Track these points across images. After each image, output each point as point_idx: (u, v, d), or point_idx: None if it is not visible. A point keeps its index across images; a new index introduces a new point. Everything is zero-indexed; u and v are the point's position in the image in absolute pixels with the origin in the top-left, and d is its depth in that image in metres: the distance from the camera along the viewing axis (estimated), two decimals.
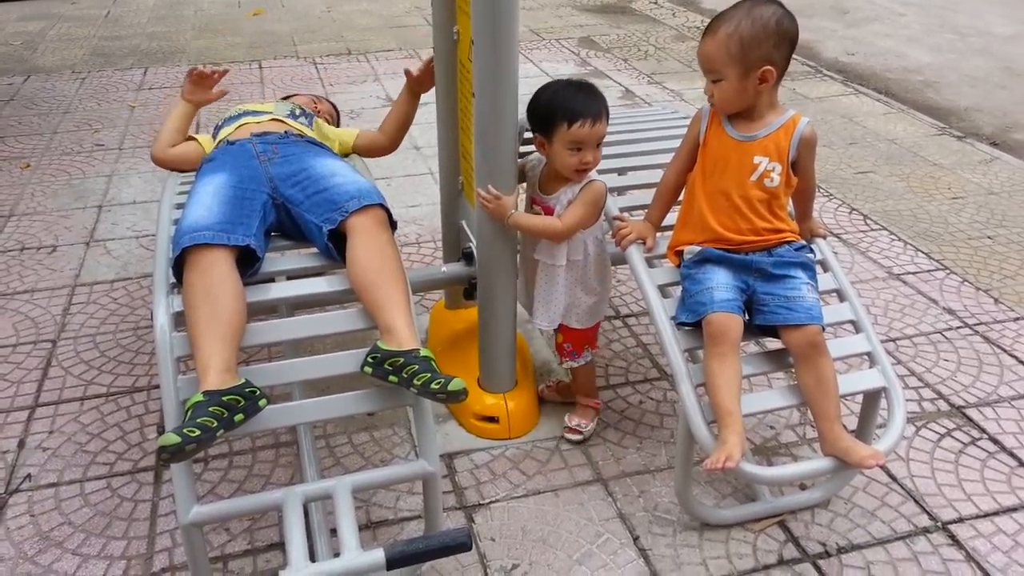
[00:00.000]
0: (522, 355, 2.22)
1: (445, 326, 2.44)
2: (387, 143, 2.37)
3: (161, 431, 2.09)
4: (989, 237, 3.10)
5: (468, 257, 2.15)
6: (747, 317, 1.77)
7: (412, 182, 3.53)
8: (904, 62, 5.36)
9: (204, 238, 1.67)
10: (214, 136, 2.17)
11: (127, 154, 3.84)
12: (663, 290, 1.88)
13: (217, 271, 1.65)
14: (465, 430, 2.13)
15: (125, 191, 3.47)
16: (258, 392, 1.54)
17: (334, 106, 2.57)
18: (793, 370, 1.77)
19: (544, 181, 1.96)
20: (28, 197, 3.41)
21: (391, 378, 1.57)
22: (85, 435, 2.11)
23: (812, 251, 1.88)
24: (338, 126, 2.50)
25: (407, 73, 2.29)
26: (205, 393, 1.48)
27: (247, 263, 1.76)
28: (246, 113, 2.18)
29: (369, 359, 1.61)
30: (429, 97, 2.27)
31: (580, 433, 2.08)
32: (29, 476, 1.97)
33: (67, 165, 3.72)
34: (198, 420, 1.42)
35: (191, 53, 5.42)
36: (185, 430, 1.39)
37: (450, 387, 1.50)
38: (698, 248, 1.81)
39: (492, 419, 2.09)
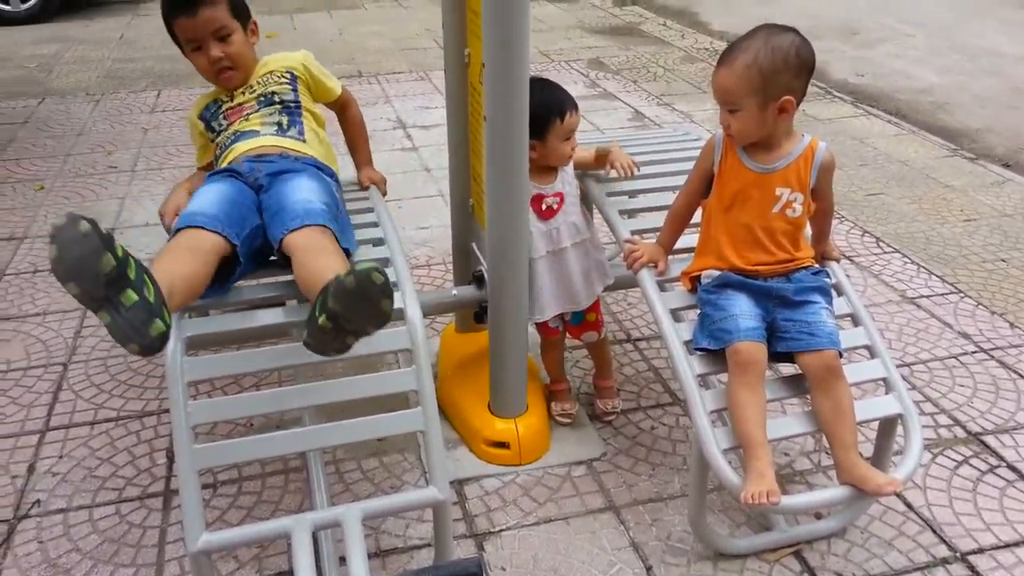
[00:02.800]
0: (533, 379, 2.20)
1: (456, 350, 2.43)
2: (337, 112, 2.35)
3: (171, 457, 2.08)
4: (1003, 260, 3.07)
5: (479, 280, 2.14)
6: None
7: (422, 204, 3.54)
8: (914, 83, 5.36)
9: (198, 221, 1.68)
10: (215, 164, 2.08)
11: (140, 176, 3.86)
12: (675, 314, 1.86)
13: (204, 244, 1.65)
14: (475, 456, 2.11)
15: (138, 213, 3.48)
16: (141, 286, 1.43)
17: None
18: (808, 396, 1.75)
19: (538, 179, 1.99)
20: (42, 219, 3.43)
21: (321, 321, 1.43)
22: (95, 460, 2.10)
23: (828, 275, 1.87)
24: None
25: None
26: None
27: (225, 273, 1.72)
28: (236, 136, 2.04)
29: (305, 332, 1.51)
30: (439, 119, 2.26)
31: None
32: (38, 502, 1.97)
33: (80, 187, 3.75)
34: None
35: None
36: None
37: (358, 268, 1.41)
38: (717, 272, 1.79)
39: (503, 445, 2.07)
